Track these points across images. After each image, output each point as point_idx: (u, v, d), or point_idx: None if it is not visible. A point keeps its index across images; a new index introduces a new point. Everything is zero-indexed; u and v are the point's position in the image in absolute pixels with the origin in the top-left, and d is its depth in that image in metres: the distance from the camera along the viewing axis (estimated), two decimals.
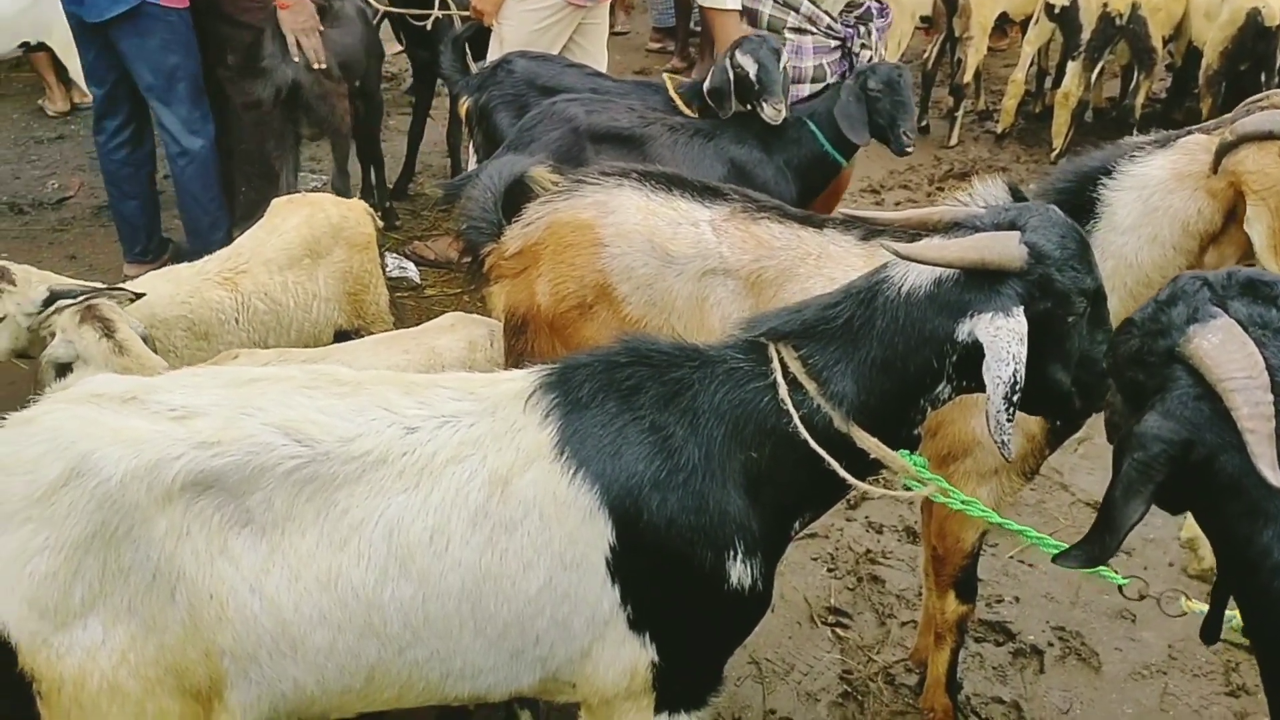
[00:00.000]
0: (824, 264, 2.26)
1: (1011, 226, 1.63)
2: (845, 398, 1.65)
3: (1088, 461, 3.76)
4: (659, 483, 1.61)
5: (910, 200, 5.96)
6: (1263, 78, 5.94)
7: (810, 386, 1.65)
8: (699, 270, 2.26)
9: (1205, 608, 1.56)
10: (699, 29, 7.12)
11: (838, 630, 3.12)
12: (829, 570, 3.33)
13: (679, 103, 3.74)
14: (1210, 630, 1.44)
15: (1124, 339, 1.42)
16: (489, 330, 2.60)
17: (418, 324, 4.60)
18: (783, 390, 1.65)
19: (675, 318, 2.31)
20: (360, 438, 1.56)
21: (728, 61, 3.57)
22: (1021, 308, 1.57)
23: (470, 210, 2.49)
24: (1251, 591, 1.29)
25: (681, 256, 2.26)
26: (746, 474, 1.66)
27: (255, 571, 1.52)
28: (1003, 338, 1.55)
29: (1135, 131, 5.93)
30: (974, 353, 1.59)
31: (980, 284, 1.59)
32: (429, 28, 4.97)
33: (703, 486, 1.63)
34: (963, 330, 1.59)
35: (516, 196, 2.56)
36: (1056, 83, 6.57)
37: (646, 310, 2.30)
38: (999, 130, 6.72)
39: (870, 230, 2.24)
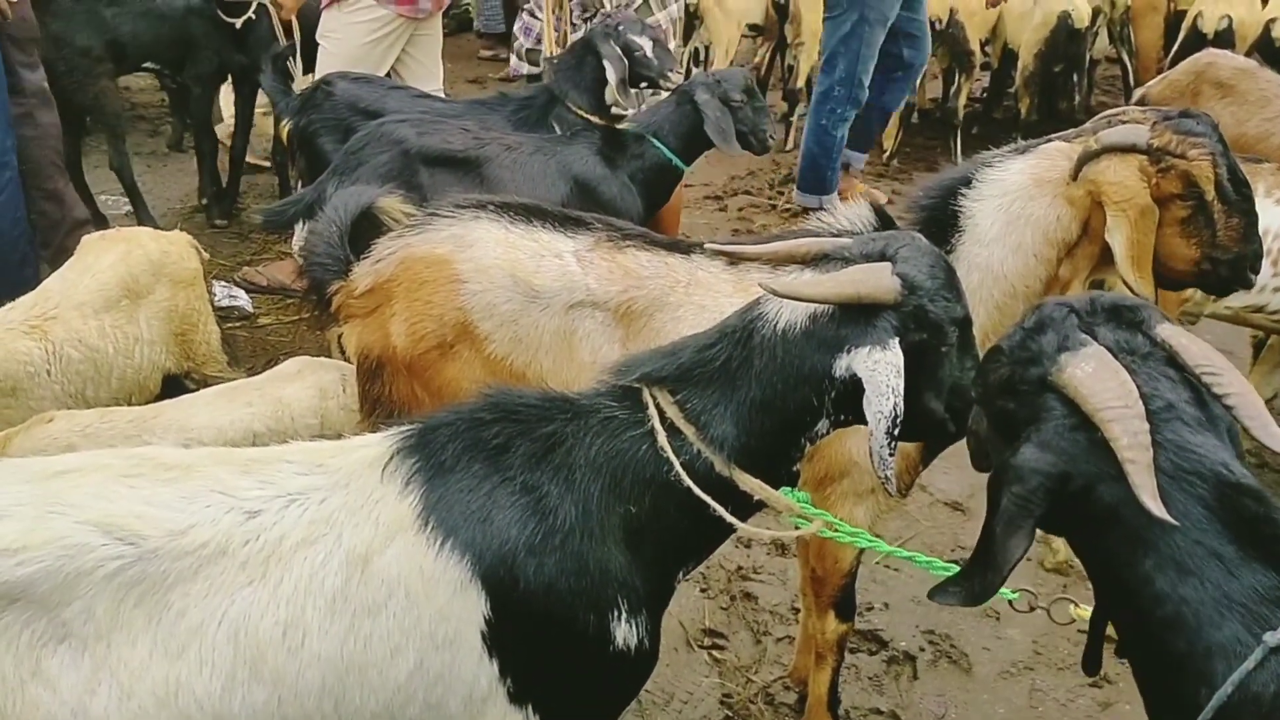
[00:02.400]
0: (694, 291, 2.19)
1: (881, 257, 1.60)
2: (726, 441, 1.59)
3: (944, 462, 3.81)
4: (534, 547, 1.51)
5: (753, 206, 6.01)
6: (1074, 78, 6.27)
7: (689, 432, 1.58)
8: (565, 304, 2.17)
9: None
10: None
11: (714, 653, 3.08)
12: (702, 591, 3.29)
13: (583, 115, 3.61)
14: (1091, 661, 1.44)
15: (993, 367, 1.40)
16: (340, 374, 2.43)
17: (253, 358, 4.44)
18: (661, 438, 1.57)
19: (543, 354, 2.20)
20: (194, 529, 1.40)
21: (616, 48, 3.49)
22: (897, 340, 1.55)
23: (314, 246, 2.32)
24: (1131, 619, 1.29)
25: (546, 290, 2.15)
26: (627, 528, 1.57)
27: (78, 693, 1.34)
28: (881, 372, 1.52)
29: (959, 131, 6.31)
30: (852, 388, 1.56)
31: (855, 318, 1.55)
32: (238, 26, 4.70)
33: (581, 546, 1.53)
34: (840, 366, 1.56)
35: (364, 229, 2.40)
36: None
37: (512, 348, 2.19)
38: None
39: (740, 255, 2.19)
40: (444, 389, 2.18)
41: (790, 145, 6.74)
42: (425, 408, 2.22)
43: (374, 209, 2.35)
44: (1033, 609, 1.64)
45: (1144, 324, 1.31)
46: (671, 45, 3.96)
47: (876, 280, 1.54)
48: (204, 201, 5.38)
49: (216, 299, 4.62)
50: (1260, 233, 3.03)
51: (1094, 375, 1.24)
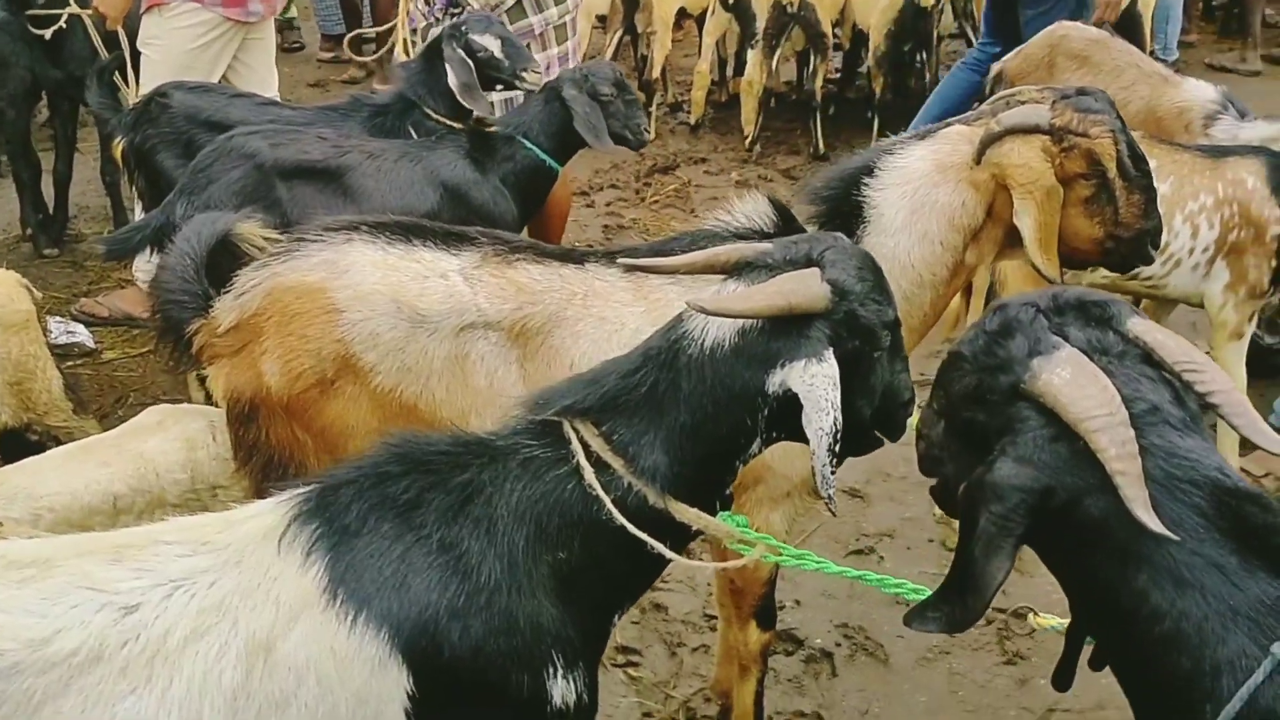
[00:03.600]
0: (592, 302, 2.06)
1: (807, 262, 1.50)
2: (658, 471, 1.47)
3: None
4: (457, 610, 1.36)
5: (620, 200, 5.91)
6: (923, 55, 6.38)
7: (618, 465, 1.46)
8: (455, 326, 2.00)
9: (1055, 622, 1.51)
10: (374, 35, 6.69)
11: (629, 670, 2.97)
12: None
13: (441, 121, 3.41)
14: (1063, 677, 1.38)
15: (957, 375, 1.31)
16: (208, 421, 2.20)
17: (100, 397, 4.08)
18: (588, 475, 1.44)
19: (435, 382, 2.03)
20: (60, 635, 1.19)
21: (458, 50, 3.30)
22: (831, 350, 1.45)
23: (167, 281, 2.08)
24: (1122, 637, 1.22)
25: (434, 314, 1.98)
26: (558, 577, 1.44)
27: None
28: (819, 385, 1.42)
29: (817, 113, 6.34)
30: (787, 404, 1.46)
31: (787, 330, 1.45)
32: (47, 38, 4.30)
33: (509, 603, 1.39)
34: (774, 382, 1.45)
35: (220, 259, 2.17)
36: (738, 71, 6.74)
37: (400, 378, 2.01)
38: (692, 122, 6.83)
39: (636, 258, 2.07)
40: (328, 429, 1.99)
41: (651, 136, 6.65)
42: (308, 450, 2.03)
43: (231, 236, 2.12)
44: (989, 622, 1.57)
45: (1114, 319, 1.24)
46: (552, 50, 3.80)
47: (807, 289, 1.44)
48: (28, 232, 4.94)
49: (53, 336, 4.23)
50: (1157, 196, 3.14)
51: (1072, 382, 1.16)
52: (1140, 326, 1.22)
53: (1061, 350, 1.20)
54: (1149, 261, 2.13)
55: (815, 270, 1.47)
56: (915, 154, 2.09)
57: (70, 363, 4.19)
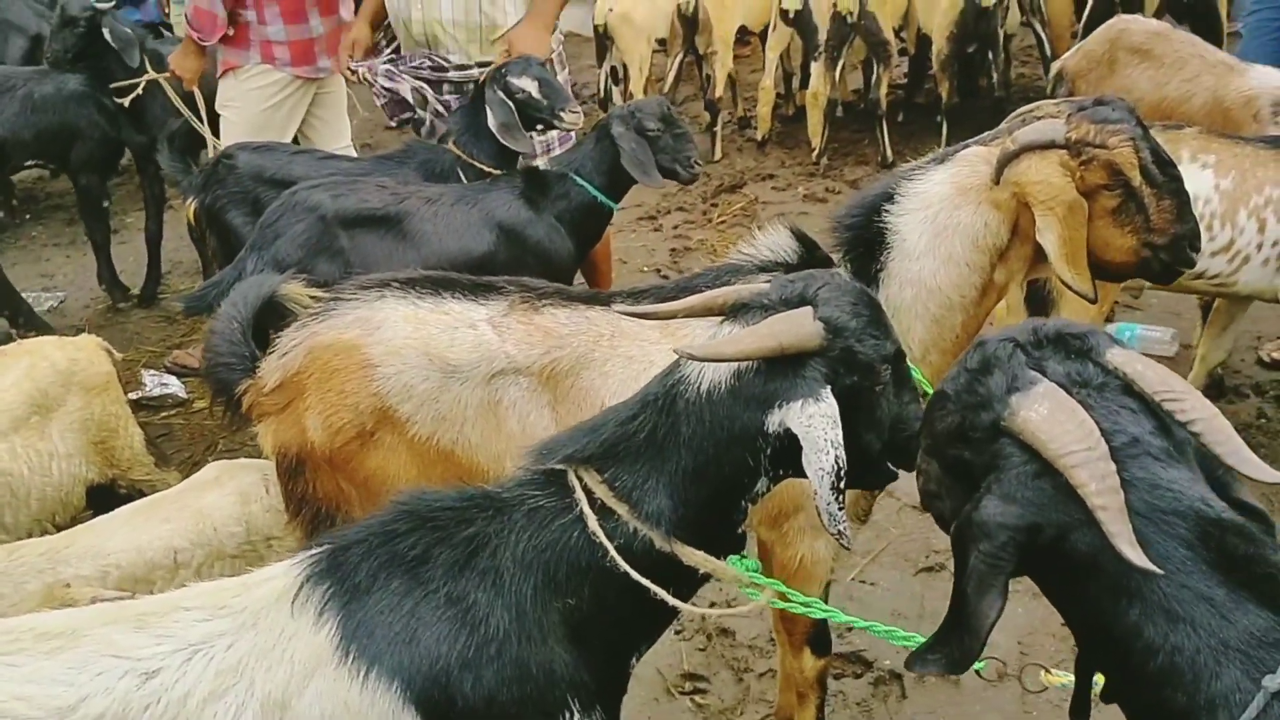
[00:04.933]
0: (619, 343, 2.10)
1: (801, 301, 1.50)
2: (662, 515, 1.49)
3: None
4: (468, 661, 1.40)
5: (688, 222, 5.93)
6: (990, 55, 6.26)
7: (622, 510, 1.48)
8: (486, 374, 2.06)
9: (1066, 678, 1.49)
10: None
11: (696, 698, 2.97)
12: (677, 633, 3.18)
13: (468, 160, 3.51)
14: (1079, 707, 1.35)
15: (940, 414, 1.30)
16: (261, 475, 2.30)
17: (191, 445, 4.28)
18: (592, 522, 1.47)
19: (469, 429, 2.10)
20: (86, 701, 1.27)
21: (499, 93, 3.39)
22: (828, 388, 1.45)
23: (216, 346, 2.19)
24: (1123, 671, 1.20)
25: (464, 363, 2.05)
26: (569, 623, 1.47)
27: None
28: (817, 425, 1.42)
29: (883, 121, 6.27)
30: (788, 442, 1.46)
31: (782, 370, 1.46)
32: (126, 105, 4.56)
33: (520, 652, 1.42)
34: (773, 422, 1.46)
35: (269, 317, 2.28)
36: (804, 84, 6.71)
37: (436, 427, 2.08)
38: (759, 137, 6.82)
39: (662, 299, 2.10)
40: (370, 480, 2.07)
41: (718, 155, 6.68)
42: (353, 501, 2.11)
43: (277, 297, 2.23)
44: (1001, 677, 1.55)
45: (1093, 351, 1.21)
46: (561, 76, 3.86)
47: (799, 328, 1.45)
48: (103, 288, 5.25)
49: (147, 389, 4.49)
50: (1190, 198, 3.04)
51: (1050, 417, 1.15)
52: (1120, 357, 1.20)
53: (1039, 385, 1.18)
54: (1190, 265, 2.06)
55: (808, 309, 1.48)
56: (934, 178, 2.08)
57: (164, 414, 4.42)
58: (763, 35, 6.87)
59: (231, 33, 4.05)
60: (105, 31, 4.55)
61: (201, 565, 2.20)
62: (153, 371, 4.56)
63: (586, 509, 1.47)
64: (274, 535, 2.28)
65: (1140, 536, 1.11)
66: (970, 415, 1.24)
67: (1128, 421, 1.17)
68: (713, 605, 3.21)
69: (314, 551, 1.44)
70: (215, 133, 4.25)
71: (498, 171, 3.47)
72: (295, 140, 4.34)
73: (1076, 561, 1.17)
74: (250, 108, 4.14)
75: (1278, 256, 3.13)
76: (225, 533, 2.24)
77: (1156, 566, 1.10)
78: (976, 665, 1.56)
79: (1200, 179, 3.11)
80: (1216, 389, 3.97)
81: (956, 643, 1.25)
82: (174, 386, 4.49)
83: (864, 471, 1.59)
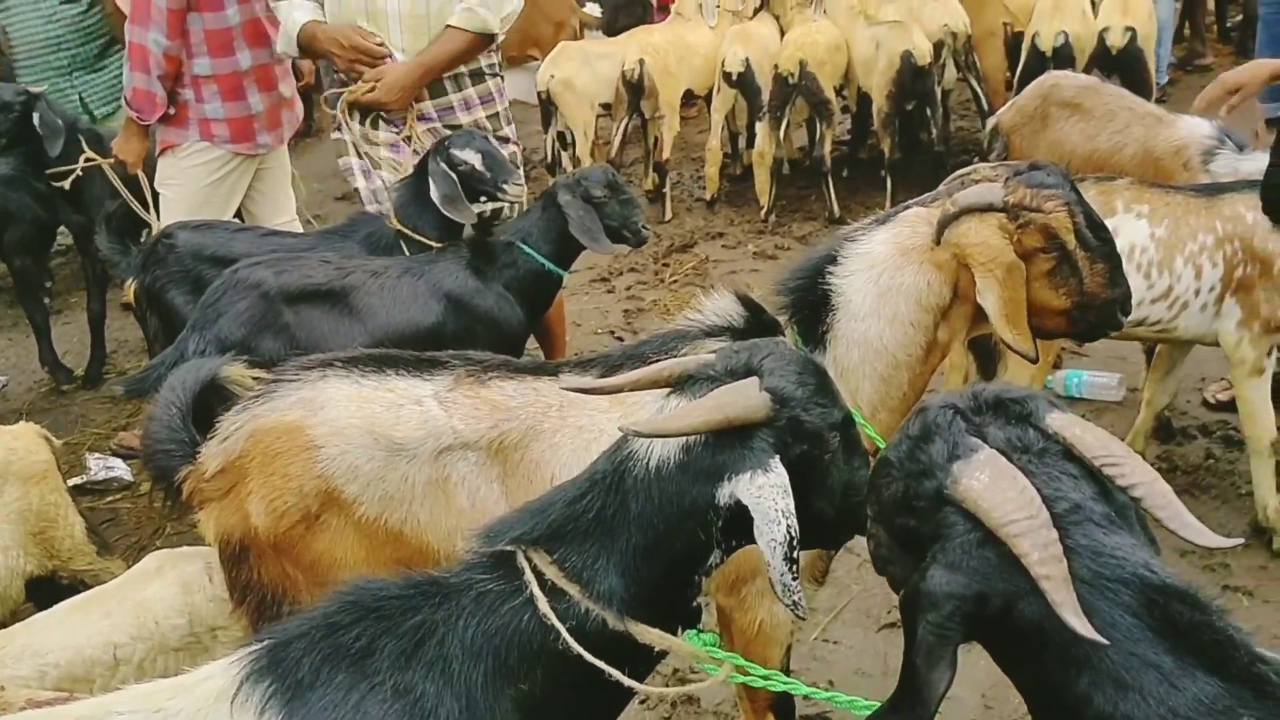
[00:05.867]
0: (568, 413, 2.08)
1: (747, 371, 1.50)
2: (615, 594, 1.47)
3: None
4: None
5: (640, 283, 5.95)
6: (928, 111, 6.39)
7: (573, 591, 1.46)
8: (433, 451, 2.03)
9: None
10: None
11: None
12: (641, 702, 3.12)
13: (408, 232, 3.50)
14: None
15: (885, 481, 1.30)
16: (204, 563, 2.24)
17: (138, 530, 4.17)
18: (543, 604, 1.44)
19: (418, 506, 2.06)
20: None
21: (442, 165, 3.40)
22: (777, 457, 1.44)
23: (154, 432, 2.15)
24: None
25: (410, 441, 2.02)
26: (522, 709, 1.43)
27: None
28: (767, 496, 1.41)
29: (829, 177, 6.38)
30: (739, 514, 1.45)
31: (731, 442, 1.45)
32: (66, 188, 4.52)
33: None
34: (723, 494, 1.45)
35: (211, 399, 2.24)
36: (749, 144, 6.81)
37: (383, 506, 2.04)
38: (708, 197, 6.89)
39: (610, 368, 2.09)
40: (317, 563, 2.02)
41: (668, 216, 6.74)
42: (300, 586, 2.06)
43: (218, 380, 2.19)
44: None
45: (1033, 416, 1.22)
46: (507, 130, 3.88)
47: (745, 400, 1.44)
48: (46, 370, 5.15)
49: (92, 472, 4.38)
50: (1127, 248, 3.10)
51: (991, 485, 1.14)
52: (1059, 421, 1.20)
53: (980, 453, 1.18)
54: (1119, 328, 2.11)
55: (754, 380, 1.48)
56: (877, 239, 2.10)
57: (110, 498, 4.31)
58: (707, 97, 6.97)
59: (173, 112, 4.03)
60: (35, 118, 4.53)
61: (143, 660, 2.12)
62: (98, 455, 4.46)
63: (536, 591, 1.44)
64: (219, 625, 2.22)
65: (1085, 605, 1.11)
66: (913, 484, 1.24)
67: (1069, 487, 1.17)
68: (675, 672, 3.17)
69: (253, 648, 1.39)
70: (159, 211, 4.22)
71: (440, 244, 3.46)
72: (238, 216, 4.32)
73: (1024, 630, 1.17)
74: (190, 185, 4.11)
75: (1215, 301, 3.20)
76: (168, 625, 2.17)
77: (1103, 635, 1.09)
78: None
79: (1136, 228, 3.19)
80: (1164, 432, 4.03)
81: (908, 711, 1.24)
82: (120, 470, 4.39)
83: (816, 537, 1.59)
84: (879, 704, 1.63)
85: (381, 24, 3.63)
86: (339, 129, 3.75)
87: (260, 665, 1.37)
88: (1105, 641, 1.08)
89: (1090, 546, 1.13)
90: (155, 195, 4.25)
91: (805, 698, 3.00)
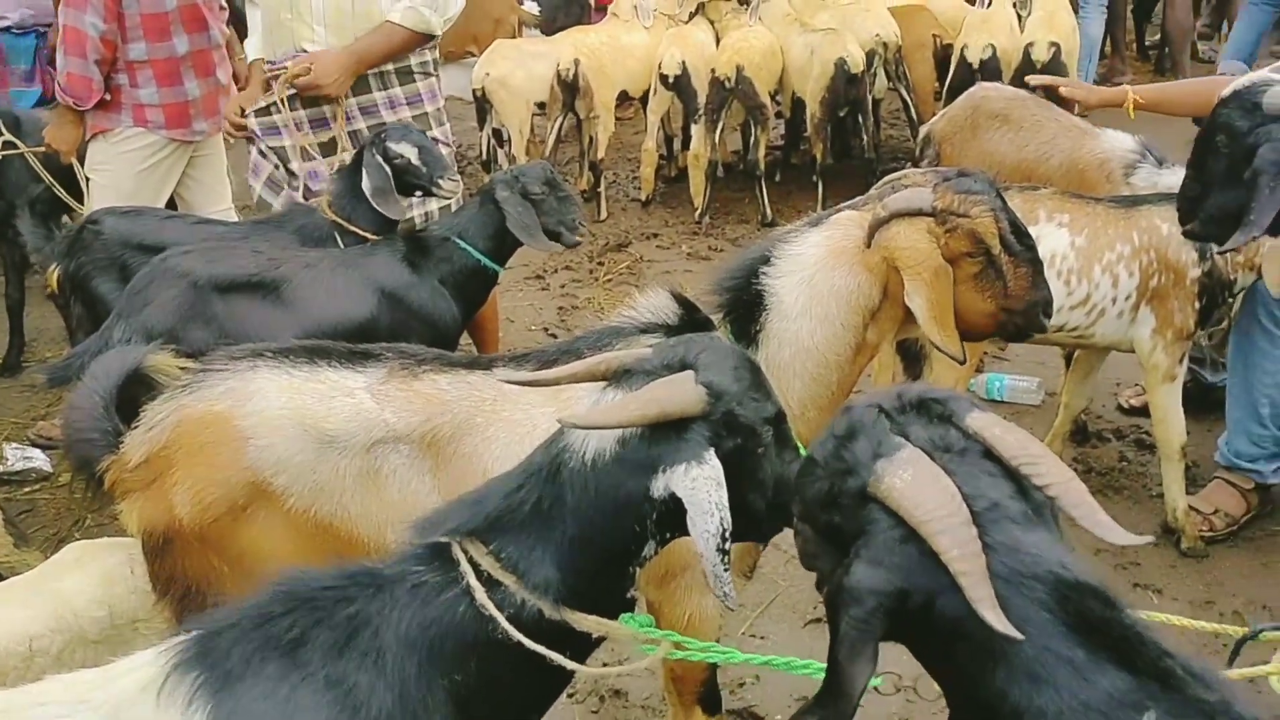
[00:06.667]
0: (501, 406, 2.08)
1: (683, 365, 1.53)
2: (551, 585, 1.48)
3: None
4: None
5: (575, 281, 5.96)
6: (860, 119, 6.51)
7: (509, 581, 1.47)
8: (365, 443, 2.02)
9: None
10: None
11: None
12: (569, 696, 3.13)
13: (342, 223, 3.45)
14: None
15: (810, 480, 1.32)
16: (126, 555, 2.19)
17: (58, 521, 4.06)
18: (480, 594, 1.45)
19: (348, 498, 2.05)
20: None
21: (378, 157, 3.37)
22: (712, 450, 1.47)
23: (76, 421, 2.10)
24: None
25: (342, 433, 2.00)
26: (455, 700, 1.44)
27: None
28: (701, 488, 1.44)
29: (763, 181, 6.45)
30: (674, 506, 1.48)
31: (666, 435, 1.47)
32: None
33: None
34: (658, 486, 1.47)
35: (137, 389, 2.19)
36: (685, 146, 6.86)
37: (313, 499, 2.02)
38: (643, 198, 6.92)
39: (544, 363, 2.10)
40: (243, 556, 2.00)
41: (604, 215, 6.75)
42: (225, 579, 2.03)
43: (143, 369, 2.14)
44: (899, 690, 1.57)
45: (954, 416, 1.25)
46: (436, 132, 3.87)
47: (681, 394, 1.47)
48: None
49: (9, 463, 4.25)
50: (1049, 256, 3.19)
51: (913, 483, 1.17)
52: (979, 421, 1.24)
53: (903, 451, 1.21)
54: (1042, 330, 2.18)
55: (689, 374, 1.50)
56: (809, 241, 2.14)
57: (28, 488, 4.19)
58: (643, 99, 7.00)
59: (107, 97, 3.94)
60: None
61: (61, 652, 2.07)
62: (15, 445, 4.33)
63: (473, 581, 1.45)
64: (141, 618, 2.17)
65: (1002, 600, 1.13)
66: (838, 481, 1.26)
67: (988, 486, 1.20)
68: (605, 665, 3.18)
69: (182, 638, 1.37)
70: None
71: (376, 236, 3.43)
72: (171, 204, 4.23)
73: (944, 625, 1.19)
74: (122, 171, 4.02)
75: (1131, 309, 3.31)
76: (87, 617, 2.12)
77: (1018, 630, 1.12)
78: (875, 682, 1.59)
79: (1057, 237, 3.28)
80: (1081, 434, 4.16)
81: (831, 705, 1.26)
82: (38, 460, 4.27)
83: (748, 530, 1.61)
84: (813, 662, 1.67)
85: (304, 16, 3.60)
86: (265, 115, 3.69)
87: (188, 656, 1.35)
88: (1020, 636, 1.11)
89: (1007, 543, 1.16)
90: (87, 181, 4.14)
91: (732, 692, 3.06)
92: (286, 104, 3.60)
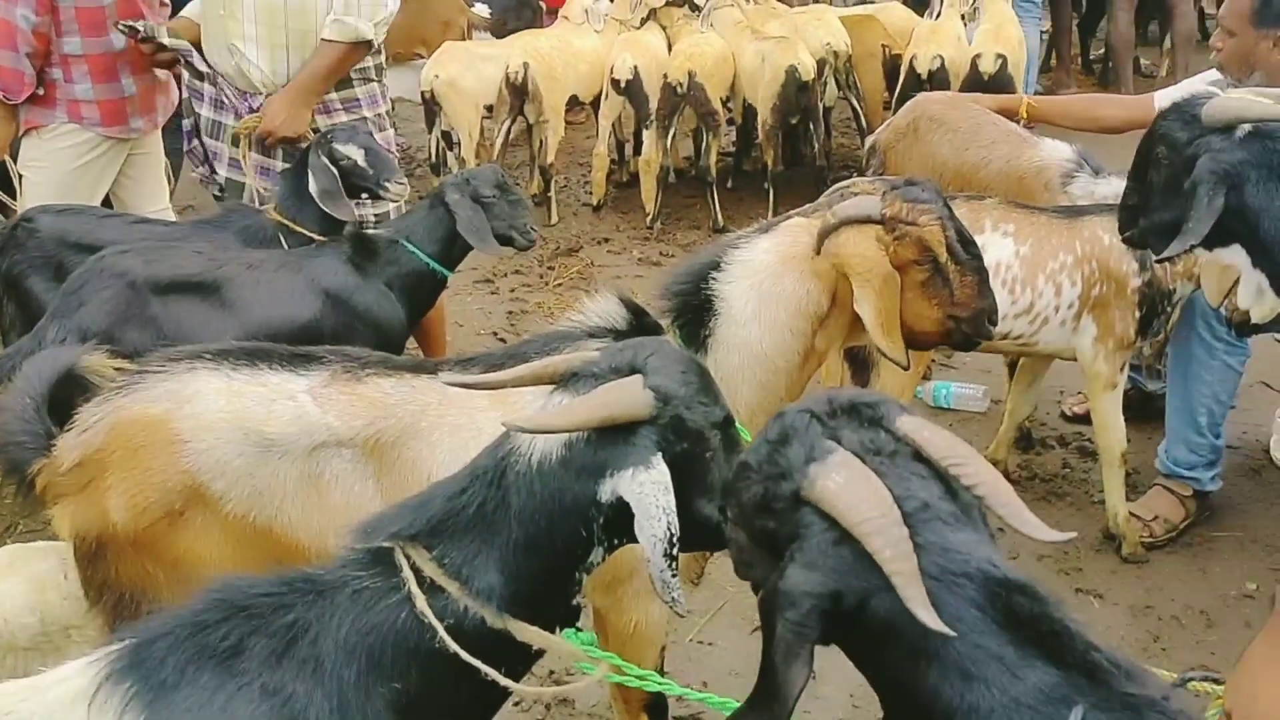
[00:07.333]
0: (446, 411, 2.06)
1: (631, 369, 1.52)
2: (494, 591, 1.46)
3: None
4: None
5: (525, 285, 5.92)
6: (811, 126, 6.55)
7: (452, 588, 1.44)
8: (306, 447, 1.98)
9: None
10: None
11: None
12: (515, 704, 3.10)
13: (288, 224, 3.40)
14: None
15: (744, 485, 1.32)
16: (58, 560, 2.13)
17: None
18: (420, 601, 1.42)
19: (289, 503, 2.01)
20: None
21: (324, 158, 3.32)
22: (659, 454, 1.46)
23: (6, 423, 2.04)
24: None
25: (282, 437, 1.96)
26: (395, 709, 1.41)
27: None
28: (648, 492, 1.43)
29: (714, 186, 6.47)
30: (621, 511, 1.47)
31: (613, 439, 1.46)
32: None
33: None
34: (605, 491, 1.46)
35: (70, 391, 2.13)
36: (637, 151, 6.86)
37: (252, 503, 1.98)
38: (594, 203, 6.91)
39: (491, 366, 2.07)
40: (179, 561, 1.95)
41: (554, 219, 6.72)
42: (161, 584, 1.98)
43: (77, 370, 2.09)
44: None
45: (884, 419, 1.26)
46: (384, 136, 3.84)
47: (629, 397, 1.46)
48: None
49: None
50: (994, 265, 3.23)
51: (846, 486, 1.18)
52: (909, 424, 1.25)
53: (835, 454, 1.22)
54: (989, 338, 2.20)
55: (638, 378, 1.49)
56: (760, 247, 2.15)
57: None
58: (594, 103, 6.99)
59: (40, 91, 3.84)
60: None
61: None
62: None
63: (414, 588, 1.42)
64: (73, 624, 2.11)
65: (933, 599, 1.14)
66: (772, 486, 1.26)
67: (918, 487, 1.21)
68: (551, 674, 3.16)
69: (115, 647, 1.33)
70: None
71: (321, 238, 3.39)
72: (107, 203, 4.13)
73: (877, 627, 1.20)
74: (56, 168, 3.91)
75: (1073, 317, 3.37)
76: (17, 624, 2.06)
77: (950, 628, 1.13)
78: None
79: (1002, 246, 3.33)
80: (1025, 441, 4.21)
81: (765, 709, 1.26)
82: None
83: (697, 537, 1.60)
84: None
85: (235, 12, 3.56)
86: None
87: (121, 665, 1.31)
88: (952, 633, 1.12)
89: (938, 543, 1.18)
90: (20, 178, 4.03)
91: (679, 698, 3.05)
92: (248, 158, 3.58)
